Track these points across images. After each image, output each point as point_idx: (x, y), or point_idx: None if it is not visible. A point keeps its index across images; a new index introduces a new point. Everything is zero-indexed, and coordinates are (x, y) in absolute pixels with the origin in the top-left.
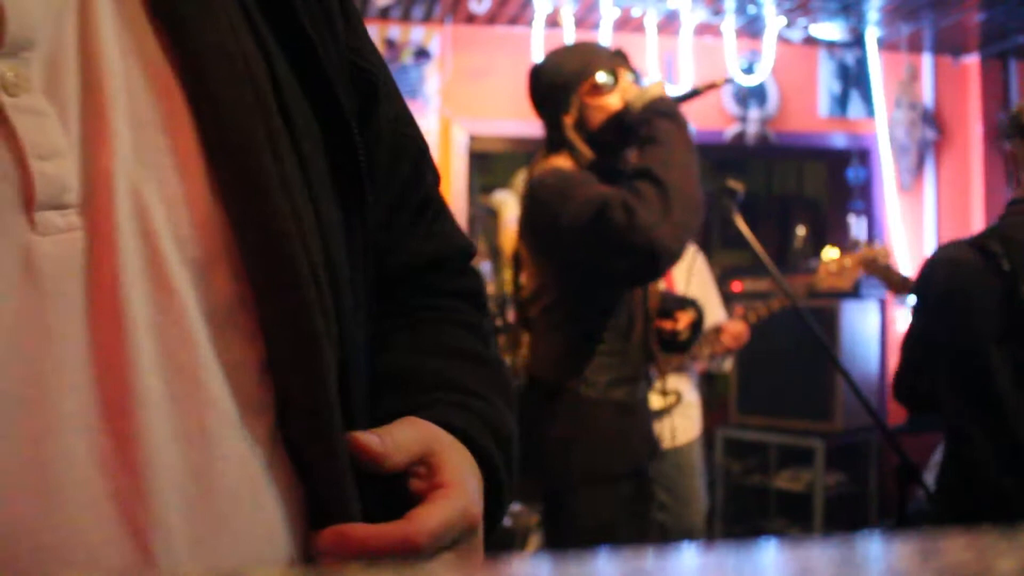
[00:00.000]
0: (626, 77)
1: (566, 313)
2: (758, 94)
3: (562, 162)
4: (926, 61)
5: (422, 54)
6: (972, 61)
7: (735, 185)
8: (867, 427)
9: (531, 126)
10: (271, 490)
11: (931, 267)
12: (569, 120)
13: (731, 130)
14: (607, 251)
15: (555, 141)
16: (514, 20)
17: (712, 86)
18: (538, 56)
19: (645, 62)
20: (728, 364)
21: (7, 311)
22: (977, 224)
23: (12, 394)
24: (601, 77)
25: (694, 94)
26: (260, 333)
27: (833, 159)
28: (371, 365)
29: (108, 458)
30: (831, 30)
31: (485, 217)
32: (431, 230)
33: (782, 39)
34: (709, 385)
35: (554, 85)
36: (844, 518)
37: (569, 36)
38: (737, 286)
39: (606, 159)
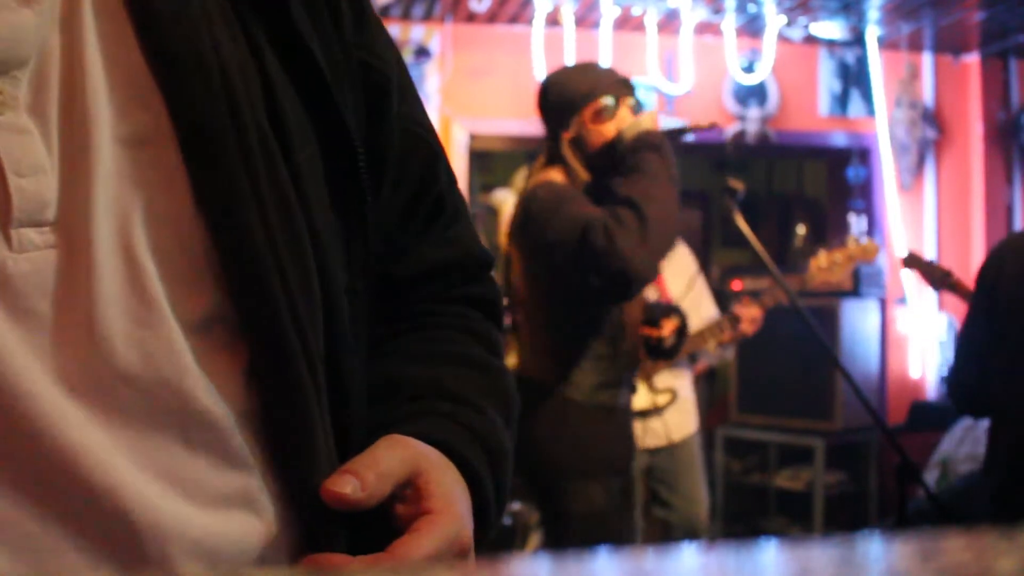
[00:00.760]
0: (627, 106)
1: (552, 318)
2: (758, 93)
3: (556, 176)
4: (926, 60)
5: (422, 53)
6: (972, 60)
7: (735, 184)
8: (867, 427)
9: (531, 125)
10: (256, 503)
11: (999, 259)
12: (568, 138)
13: (731, 129)
14: (585, 270)
15: (553, 154)
16: (514, 19)
17: (697, 127)
18: (538, 55)
19: (645, 61)
20: (730, 353)
21: None
22: (977, 224)
23: None
24: (604, 103)
25: (682, 132)
26: (243, 347)
27: (833, 158)
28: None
29: (90, 474)
30: (831, 29)
31: (485, 216)
32: (445, 235)
33: (782, 38)
34: (709, 383)
35: (560, 102)
36: (844, 518)
37: (569, 35)
38: (737, 285)
39: (598, 180)
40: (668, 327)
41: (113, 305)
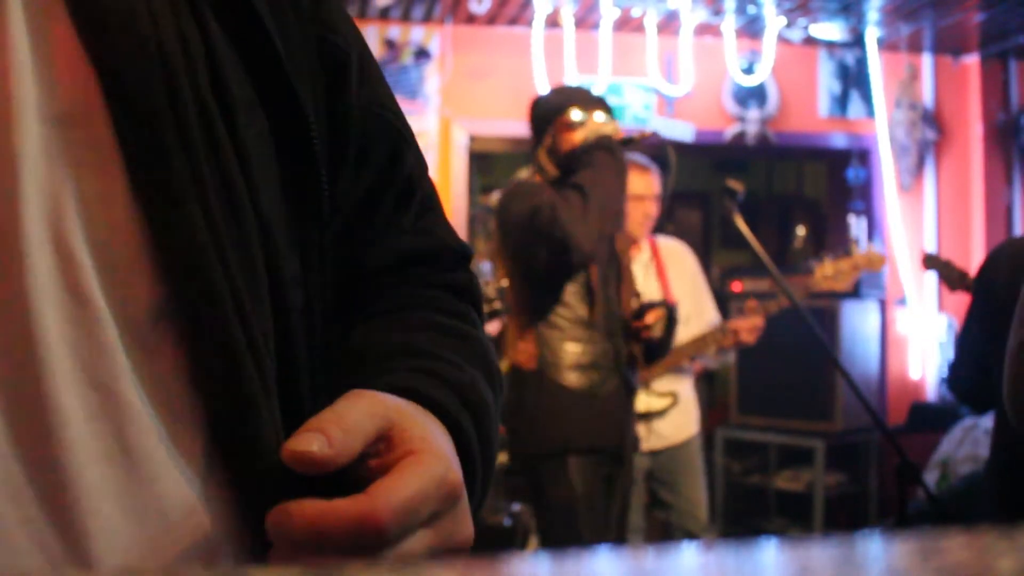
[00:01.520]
0: (596, 117)
1: (523, 300)
2: (758, 94)
3: (529, 176)
4: (926, 61)
5: (422, 54)
6: (972, 61)
7: (735, 185)
8: (867, 427)
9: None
10: (208, 506)
11: (996, 259)
12: (545, 146)
13: (731, 130)
14: (532, 241)
15: (534, 162)
16: (514, 20)
17: (643, 136)
18: (538, 56)
19: (645, 62)
20: (731, 357)
21: None
22: (977, 224)
23: None
24: (572, 115)
25: (630, 141)
26: (184, 344)
27: (833, 159)
28: (328, 363)
29: (22, 488)
30: (831, 30)
31: (485, 217)
32: (419, 226)
33: (782, 39)
34: (709, 385)
35: (537, 116)
36: (844, 519)
37: (569, 36)
38: (737, 286)
39: (566, 179)
40: (652, 316)
41: (46, 302)
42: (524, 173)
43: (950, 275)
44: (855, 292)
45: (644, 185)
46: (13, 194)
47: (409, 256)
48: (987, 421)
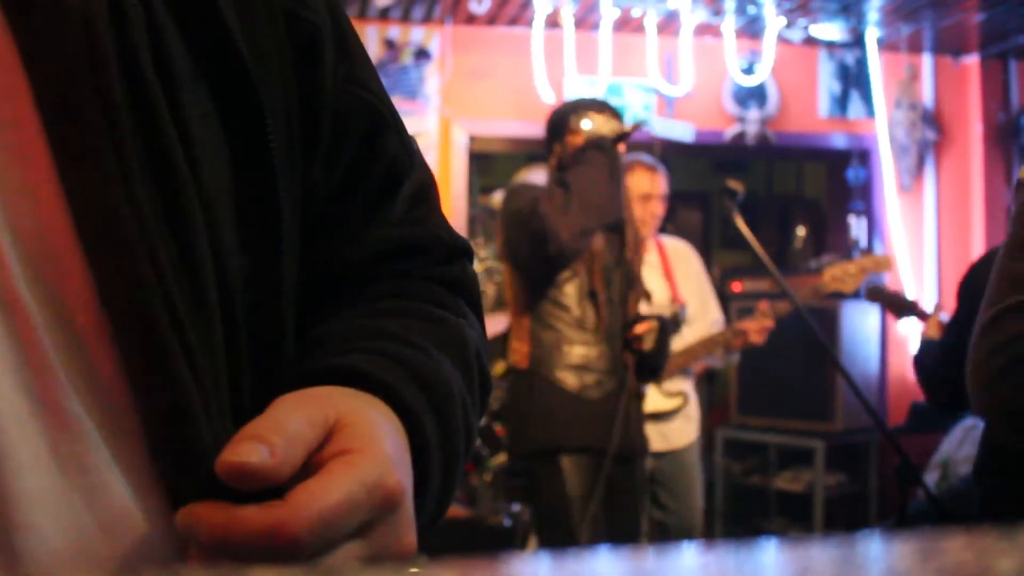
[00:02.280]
0: (599, 123)
1: (518, 299)
2: (758, 94)
3: (535, 178)
4: (926, 61)
5: (422, 54)
6: (972, 61)
7: (735, 185)
8: (867, 427)
9: (531, 126)
10: (147, 516)
11: (975, 274)
12: (555, 153)
13: (731, 130)
14: (517, 236)
15: (547, 170)
16: (514, 20)
17: (635, 127)
18: (538, 57)
19: (645, 63)
20: (735, 357)
21: None
22: (977, 225)
23: None
24: (576, 122)
25: (623, 135)
26: (116, 347)
27: (833, 159)
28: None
29: None
30: (831, 30)
31: (485, 217)
32: (409, 216)
33: (782, 39)
34: (709, 385)
35: (551, 123)
36: (844, 518)
37: (569, 36)
38: (737, 286)
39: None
40: (643, 326)
41: None
42: (524, 173)
43: (895, 304)
44: (855, 292)
45: (651, 184)
46: None
47: (394, 249)
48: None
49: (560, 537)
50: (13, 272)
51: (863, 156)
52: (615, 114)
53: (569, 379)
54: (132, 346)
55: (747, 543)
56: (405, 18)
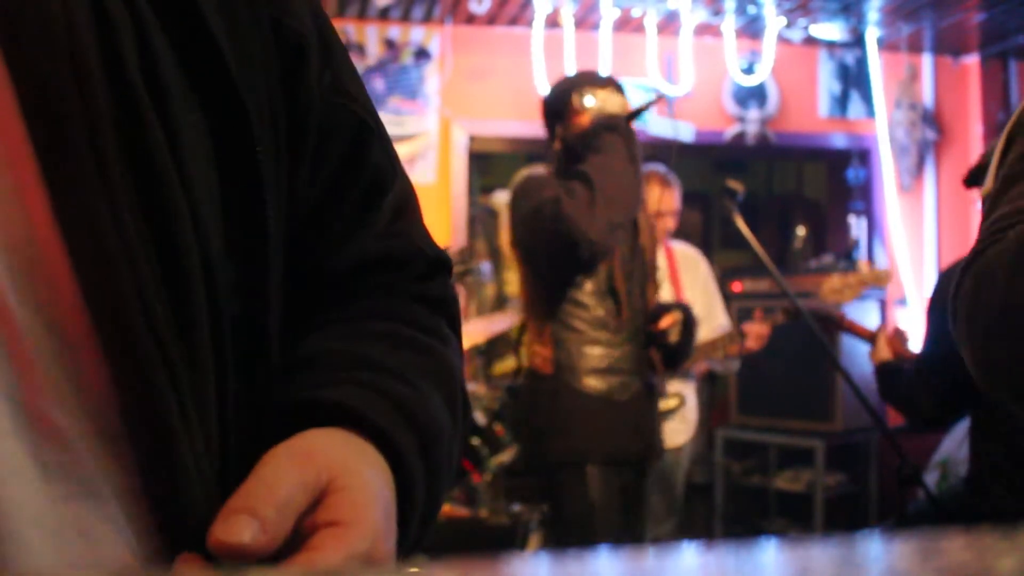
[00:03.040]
0: (603, 99)
1: (538, 302)
2: (758, 94)
3: (541, 170)
4: (926, 61)
5: (422, 54)
6: (972, 61)
7: (735, 185)
8: (867, 427)
9: (531, 126)
10: (131, 527)
11: (947, 278)
12: (557, 136)
13: (731, 130)
14: (540, 240)
15: (547, 154)
16: (514, 20)
17: (650, 103)
18: (538, 57)
19: (645, 63)
20: (735, 366)
21: None
22: (977, 225)
23: None
24: (579, 100)
25: (637, 112)
26: (100, 357)
27: (833, 159)
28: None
29: None
30: (831, 30)
31: (485, 217)
32: (391, 229)
33: (782, 39)
34: (709, 385)
35: (547, 109)
36: (844, 518)
37: (569, 36)
38: (737, 286)
39: (575, 166)
40: (667, 320)
41: None
42: (525, 173)
43: (831, 325)
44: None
45: (666, 201)
46: None
47: (377, 260)
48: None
49: (583, 545)
50: (1, 280)
51: (863, 156)
52: (618, 88)
53: (596, 384)
54: (116, 357)
55: (747, 543)
56: (405, 18)
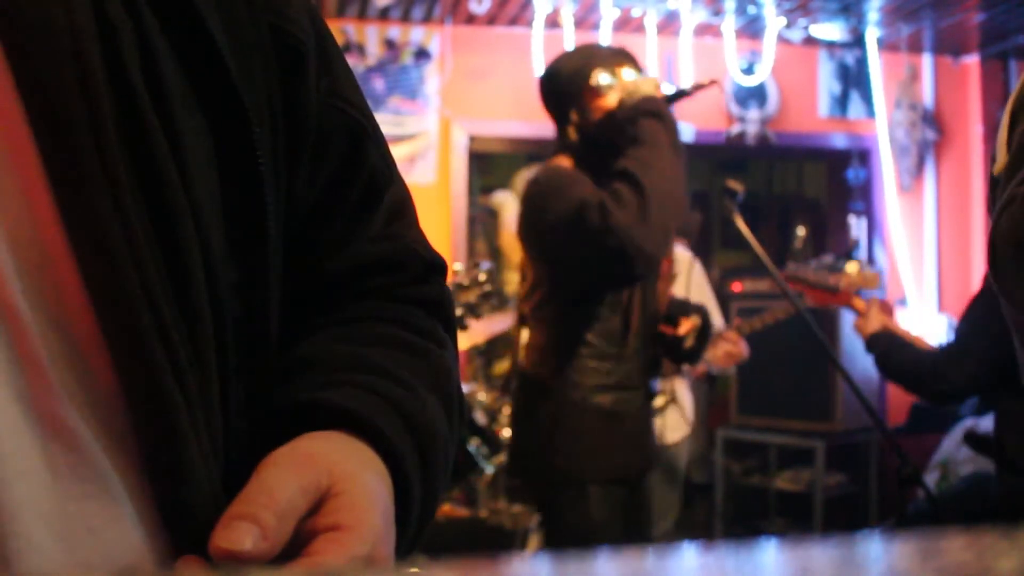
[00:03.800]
0: (625, 75)
1: (554, 310)
2: (758, 94)
3: (562, 161)
4: (926, 61)
5: (422, 54)
6: (972, 61)
7: (735, 185)
8: (867, 427)
9: (531, 126)
10: (140, 527)
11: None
12: (572, 122)
13: (731, 130)
14: (583, 252)
15: (562, 144)
16: (514, 20)
17: (699, 87)
18: (538, 57)
19: (645, 62)
20: (731, 369)
21: None
22: (977, 225)
23: None
24: (597, 79)
25: (682, 94)
26: (107, 357)
27: (833, 159)
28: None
29: None
30: (831, 30)
31: (485, 217)
32: (387, 232)
33: (782, 39)
34: (709, 385)
35: (556, 89)
36: (844, 518)
37: (569, 36)
38: (737, 287)
39: (604, 158)
40: (686, 326)
41: None
42: (524, 173)
43: (819, 290)
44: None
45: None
46: None
47: (373, 263)
48: (988, 423)
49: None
50: (9, 280)
51: (863, 156)
52: (634, 61)
53: (602, 400)
54: (123, 357)
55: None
56: (405, 18)
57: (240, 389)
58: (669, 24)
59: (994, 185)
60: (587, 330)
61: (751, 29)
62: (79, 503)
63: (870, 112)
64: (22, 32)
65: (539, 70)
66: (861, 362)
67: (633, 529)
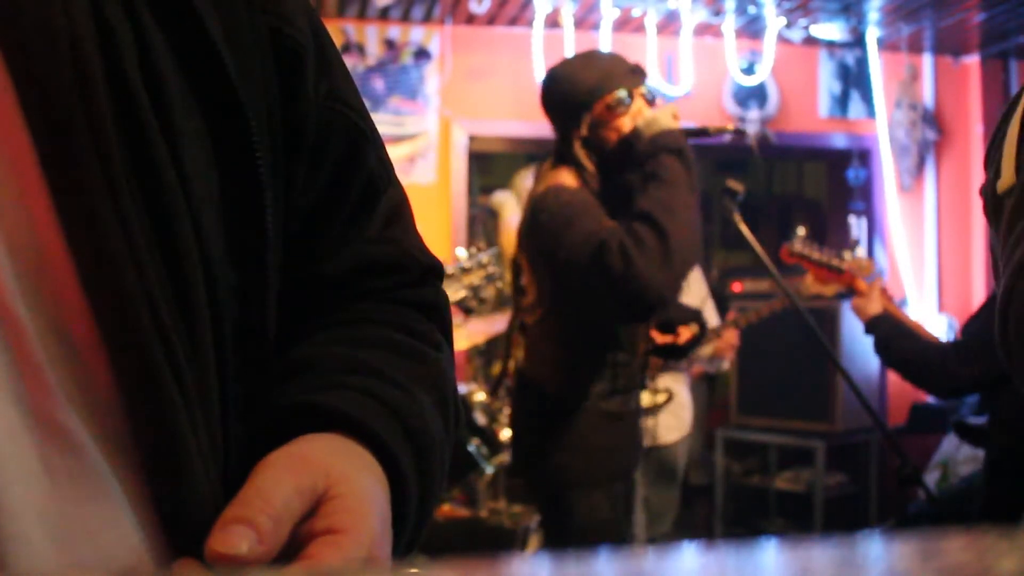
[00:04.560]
0: (641, 97)
1: (561, 327)
2: (758, 94)
3: (566, 178)
4: (926, 61)
5: (422, 54)
6: (972, 61)
7: (735, 185)
8: (867, 427)
9: (531, 126)
10: (139, 530)
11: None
12: (579, 136)
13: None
14: (600, 292)
15: (563, 155)
16: (514, 20)
17: (721, 130)
18: (538, 56)
19: (645, 63)
20: (726, 364)
21: None
22: (977, 225)
23: None
24: (617, 97)
25: (703, 133)
26: (107, 360)
27: (833, 159)
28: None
29: None
30: (831, 30)
31: (485, 217)
32: (385, 235)
33: (782, 39)
34: (709, 385)
35: (568, 98)
36: (844, 518)
37: (569, 36)
38: (737, 287)
39: (611, 180)
40: (685, 335)
41: None
42: (524, 174)
43: (823, 267)
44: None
45: None
46: None
47: (370, 265)
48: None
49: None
50: (7, 283)
51: (863, 156)
52: (646, 82)
53: (606, 406)
54: (122, 359)
55: (747, 543)
56: (405, 18)
57: (239, 390)
58: (669, 24)
59: (996, 202)
60: (602, 350)
61: (751, 29)
62: (77, 505)
63: (870, 112)
64: (20, 34)
65: (539, 70)
66: (861, 362)
67: (626, 524)
